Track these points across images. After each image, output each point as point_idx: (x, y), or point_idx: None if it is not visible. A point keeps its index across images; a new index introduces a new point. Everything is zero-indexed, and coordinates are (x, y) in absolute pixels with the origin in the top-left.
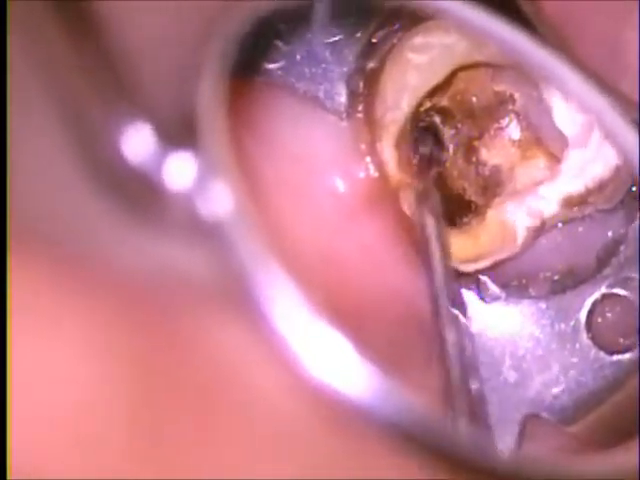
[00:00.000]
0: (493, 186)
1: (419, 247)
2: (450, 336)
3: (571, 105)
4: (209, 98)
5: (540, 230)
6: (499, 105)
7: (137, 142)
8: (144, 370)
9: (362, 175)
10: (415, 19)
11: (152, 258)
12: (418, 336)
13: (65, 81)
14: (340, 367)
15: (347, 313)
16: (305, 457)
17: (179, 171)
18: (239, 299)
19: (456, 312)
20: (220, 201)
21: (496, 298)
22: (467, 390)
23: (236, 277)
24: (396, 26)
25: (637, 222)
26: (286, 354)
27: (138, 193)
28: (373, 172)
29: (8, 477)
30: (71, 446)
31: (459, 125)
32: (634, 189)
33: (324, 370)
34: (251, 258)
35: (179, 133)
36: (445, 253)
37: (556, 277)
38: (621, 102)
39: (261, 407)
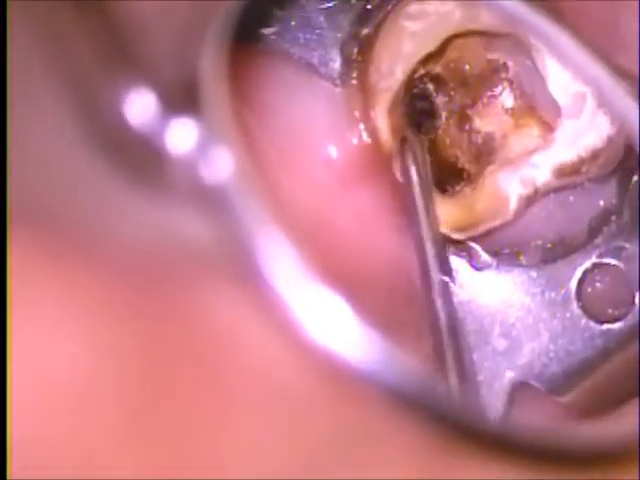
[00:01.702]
0: (486, 154)
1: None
2: (438, 303)
3: (566, 74)
4: (211, 64)
5: (533, 198)
6: (492, 73)
7: (139, 107)
8: (144, 343)
9: (355, 142)
10: None
11: (154, 224)
12: (410, 304)
13: (68, 47)
14: (341, 331)
15: (341, 281)
16: (307, 422)
17: (181, 136)
18: (240, 264)
19: (446, 279)
20: (222, 166)
21: (487, 266)
22: (457, 357)
23: (237, 240)
24: None
25: (630, 193)
26: (286, 317)
27: (140, 158)
28: (366, 139)
29: (8, 466)
30: (69, 425)
31: (452, 93)
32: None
33: (325, 334)
34: (253, 221)
35: (181, 99)
36: (430, 215)
37: (547, 246)
38: (619, 73)
39: (263, 374)
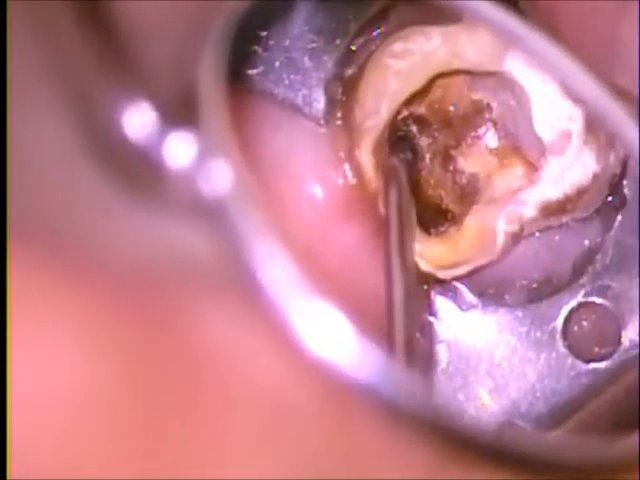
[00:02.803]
0: (470, 194)
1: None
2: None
3: (551, 112)
4: (210, 77)
5: (519, 236)
6: (476, 114)
7: (137, 121)
8: (140, 354)
9: (340, 182)
10: (395, 26)
11: (151, 237)
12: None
13: (67, 58)
14: (339, 344)
15: None
16: (304, 435)
17: (179, 149)
18: (238, 277)
19: (432, 319)
20: (220, 179)
21: (472, 306)
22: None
23: (236, 254)
24: (375, 32)
25: (614, 232)
26: (285, 331)
27: (138, 171)
28: (351, 179)
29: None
30: (64, 433)
31: (436, 134)
32: (610, 198)
33: (323, 347)
34: (251, 235)
35: (180, 112)
36: (406, 248)
37: (533, 285)
38: (617, 91)
39: (260, 387)
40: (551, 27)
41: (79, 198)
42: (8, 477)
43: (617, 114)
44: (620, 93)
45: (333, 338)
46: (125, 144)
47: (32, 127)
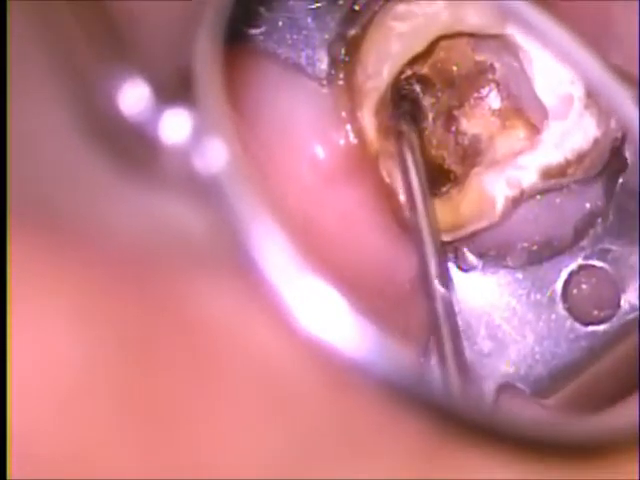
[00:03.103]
0: (472, 155)
1: (399, 215)
2: (439, 306)
3: (553, 76)
4: (205, 54)
5: (519, 200)
6: (479, 74)
7: (133, 98)
8: (137, 336)
9: (342, 142)
10: None
11: (147, 214)
12: (395, 305)
13: (63, 38)
14: (335, 321)
15: (328, 279)
16: (302, 412)
17: (175, 126)
18: (233, 254)
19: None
20: (215, 156)
21: (473, 268)
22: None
23: (231, 231)
24: None
25: (616, 196)
26: (280, 308)
27: (134, 149)
28: (353, 139)
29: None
30: (63, 420)
31: (439, 94)
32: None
33: (319, 324)
34: (246, 212)
35: (175, 89)
36: (430, 212)
37: (533, 248)
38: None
39: (257, 365)
40: (547, 7)
41: (74, 176)
42: (8, 464)
43: (615, 90)
44: (616, 71)
45: (328, 315)
46: (120, 121)
47: (27, 106)
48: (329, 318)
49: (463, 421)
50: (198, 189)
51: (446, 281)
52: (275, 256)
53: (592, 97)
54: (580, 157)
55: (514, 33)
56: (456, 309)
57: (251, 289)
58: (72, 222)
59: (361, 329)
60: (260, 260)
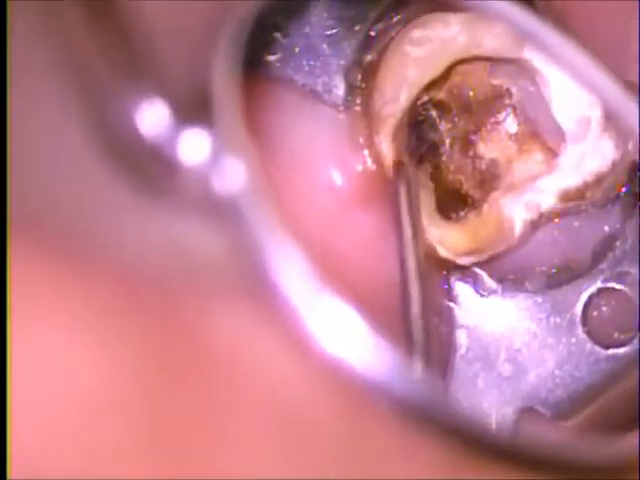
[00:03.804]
0: (490, 180)
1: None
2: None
3: (570, 99)
4: (224, 74)
5: (537, 224)
6: (496, 99)
7: (152, 118)
8: (155, 359)
9: (360, 168)
10: (414, 12)
11: (164, 235)
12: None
13: (80, 56)
14: (353, 342)
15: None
16: (318, 434)
17: (193, 147)
18: (251, 275)
19: (451, 304)
20: (234, 177)
21: (492, 292)
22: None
23: (249, 252)
24: (394, 19)
25: (635, 219)
26: (298, 329)
27: (152, 169)
28: (370, 165)
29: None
30: (74, 444)
31: (456, 119)
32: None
33: (336, 345)
34: (264, 233)
35: (193, 109)
36: (417, 237)
37: (552, 271)
38: (630, 88)
39: (274, 387)
40: (565, 27)
41: (90, 195)
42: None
43: (633, 112)
44: (634, 90)
45: (347, 337)
46: (138, 141)
47: (44, 124)
48: (348, 340)
49: (482, 444)
50: (216, 210)
51: (454, 305)
52: (293, 278)
53: (610, 119)
54: (598, 179)
55: (530, 56)
56: (471, 335)
57: (269, 312)
58: (89, 242)
59: (381, 351)
60: (277, 282)
